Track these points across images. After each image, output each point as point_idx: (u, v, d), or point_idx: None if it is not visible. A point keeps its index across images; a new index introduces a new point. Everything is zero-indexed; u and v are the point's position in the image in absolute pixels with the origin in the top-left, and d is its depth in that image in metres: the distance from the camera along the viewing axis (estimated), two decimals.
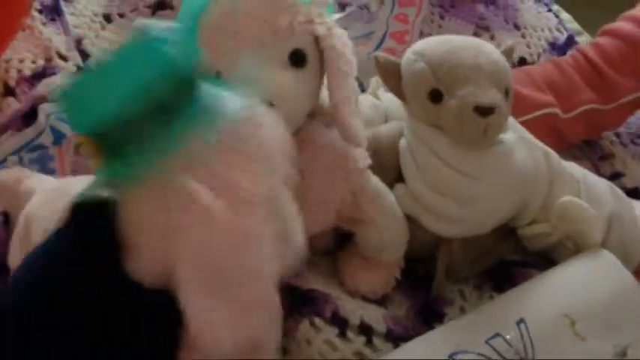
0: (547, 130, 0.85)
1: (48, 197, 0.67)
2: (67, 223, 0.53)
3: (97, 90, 0.48)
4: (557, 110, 0.87)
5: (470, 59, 0.67)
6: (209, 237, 0.46)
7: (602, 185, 0.76)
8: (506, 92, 0.68)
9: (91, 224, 0.51)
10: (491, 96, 0.66)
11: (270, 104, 0.60)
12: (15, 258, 0.67)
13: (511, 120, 0.72)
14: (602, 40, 0.93)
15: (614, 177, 0.91)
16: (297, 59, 0.64)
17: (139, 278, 0.49)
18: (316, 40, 0.65)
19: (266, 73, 0.62)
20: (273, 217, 0.49)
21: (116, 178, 0.50)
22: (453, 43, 0.70)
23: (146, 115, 0.47)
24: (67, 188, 0.65)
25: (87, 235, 0.51)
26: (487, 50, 0.69)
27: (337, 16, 0.98)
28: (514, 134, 0.71)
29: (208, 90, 0.50)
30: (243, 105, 0.51)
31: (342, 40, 0.65)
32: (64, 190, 0.66)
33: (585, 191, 0.73)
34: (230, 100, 0.51)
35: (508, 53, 0.72)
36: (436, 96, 0.68)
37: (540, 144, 0.74)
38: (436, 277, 0.73)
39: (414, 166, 0.70)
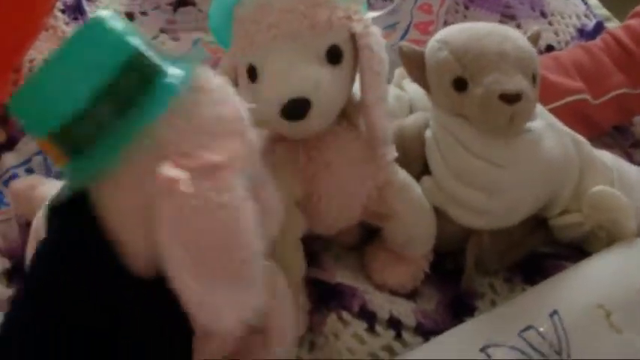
0: (577, 116, 0.83)
1: None
2: (50, 228, 0.53)
3: (48, 88, 0.47)
4: (587, 96, 0.85)
5: (494, 46, 0.66)
6: (191, 219, 0.45)
7: (635, 173, 0.74)
8: (534, 78, 0.67)
9: (74, 222, 0.50)
10: (517, 83, 0.64)
11: (304, 99, 0.59)
12: (28, 256, 0.67)
13: (539, 107, 0.71)
14: (633, 22, 0.91)
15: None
16: (334, 56, 0.62)
17: (135, 270, 0.49)
18: (352, 37, 0.63)
19: (302, 68, 0.60)
20: (250, 189, 0.48)
21: (86, 174, 0.49)
22: (477, 29, 0.68)
23: (103, 103, 0.47)
24: None
25: (73, 234, 0.51)
26: (512, 36, 0.68)
27: (374, 14, 0.97)
28: (542, 122, 0.70)
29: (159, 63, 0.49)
30: (195, 75, 0.50)
31: (377, 40, 0.64)
32: None
33: (618, 179, 0.71)
34: (181, 71, 0.50)
35: (534, 39, 0.71)
36: (461, 84, 0.66)
37: (570, 131, 0.72)
38: (466, 269, 0.72)
39: (439, 156, 0.69)
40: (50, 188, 0.72)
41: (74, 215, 0.50)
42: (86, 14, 0.99)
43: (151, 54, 0.49)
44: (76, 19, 0.98)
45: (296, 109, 0.60)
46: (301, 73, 0.60)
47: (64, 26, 0.97)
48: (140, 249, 0.48)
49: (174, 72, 0.49)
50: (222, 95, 0.51)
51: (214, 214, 0.45)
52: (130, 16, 1.02)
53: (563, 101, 0.83)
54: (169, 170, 0.45)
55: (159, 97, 0.47)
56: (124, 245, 0.49)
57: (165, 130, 0.47)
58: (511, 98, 0.64)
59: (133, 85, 0.48)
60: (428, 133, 0.71)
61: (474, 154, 0.67)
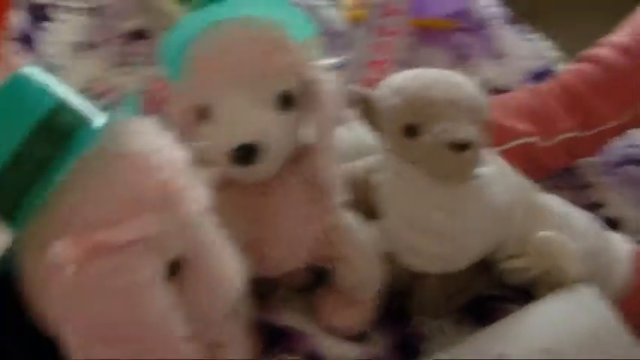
0: (526, 159, 0.84)
1: None
2: None
3: None
4: (536, 139, 0.86)
5: (444, 94, 0.66)
6: (80, 301, 0.43)
7: (583, 219, 0.75)
8: (485, 126, 0.67)
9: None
10: (466, 131, 0.65)
11: (254, 145, 0.59)
12: None
13: (490, 152, 0.71)
14: (582, 67, 0.92)
15: (594, 207, 0.89)
16: (285, 101, 0.62)
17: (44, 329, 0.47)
18: (304, 82, 0.63)
19: (253, 114, 0.60)
20: (164, 256, 0.46)
21: (13, 237, 0.48)
22: (428, 77, 0.68)
23: (17, 165, 0.45)
24: None
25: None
26: (462, 83, 0.68)
27: (328, 61, 0.97)
28: (492, 167, 0.70)
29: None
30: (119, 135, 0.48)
31: (330, 86, 0.64)
32: None
33: (566, 225, 0.72)
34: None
35: (483, 84, 0.71)
36: (411, 131, 0.66)
37: (519, 176, 0.73)
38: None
39: (389, 200, 0.69)
40: None
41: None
42: (35, 43, 0.97)
43: (74, 108, 0.48)
44: (26, 48, 0.96)
45: (246, 154, 0.59)
46: (252, 119, 0.60)
47: (13, 55, 0.94)
48: (42, 311, 0.47)
49: (98, 126, 0.47)
50: (149, 162, 0.47)
51: (108, 297, 0.43)
52: (81, 46, 1.00)
53: (512, 143, 0.84)
54: (62, 247, 0.42)
55: (71, 156, 0.45)
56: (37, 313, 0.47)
57: (76, 195, 0.45)
58: (460, 147, 0.64)
59: (48, 146, 0.46)
60: (377, 177, 0.70)
61: (423, 198, 0.67)
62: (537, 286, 0.72)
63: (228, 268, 0.52)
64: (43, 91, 0.47)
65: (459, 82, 0.68)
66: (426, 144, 0.65)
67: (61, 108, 0.47)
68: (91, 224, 0.44)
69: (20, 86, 0.47)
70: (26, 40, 0.98)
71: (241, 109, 0.60)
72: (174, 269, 0.48)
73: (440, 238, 0.68)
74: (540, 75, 1.03)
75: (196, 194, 0.49)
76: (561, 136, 0.88)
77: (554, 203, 0.74)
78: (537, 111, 0.88)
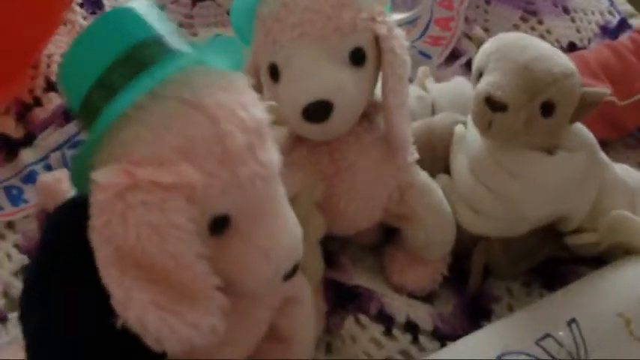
0: (603, 118, 0.81)
1: None
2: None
3: (72, 63, 0.49)
4: (614, 98, 0.83)
5: (518, 55, 0.63)
6: (115, 223, 0.43)
7: None
8: (548, 107, 0.63)
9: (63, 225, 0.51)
10: (511, 95, 0.62)
11: (327, 101, 0.58)
12: None
13: (586, 135, 0.68)
14: None
15: None
16: (357, 58, 0.61)
17: None
18: (376, 39, 0.62)
19: (325, 70, 0.59)
20: (204, 209, 0.46)
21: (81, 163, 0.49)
22: (518, 39, 0.66)
23: (99, 87, 0.47)
24: None
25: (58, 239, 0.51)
26: (545, 55, 0.64)
27: (398, 16, 0.95)
28: (579, 152, 0.67)
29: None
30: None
31: (401, 42, 0.63)
32: None
33: None
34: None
35: (591, 96, 0.65)
36: (478, 77, 0.66)
37: (602, 158, 0.70)
38: (471, 276, 0.72)
39: (460, 154, 0.69)
40: None
41: (66, 217, 0.50)
42: (104, 8, 0.98)
43: (164, 42, 0.48)
44: (94, 12, 0.98)
45: (318, 111, 0.59)
46: (324, 74, 0.59)
47: (82, 20, 0.96)
48: None
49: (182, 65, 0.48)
50: (214, 114, 0.46)
51: (140, 228, 0.44)
52: None
53: None
54: (103, 173, 0.44)
55: (140, 87, 0.46)
56: None
57: (132, 129, 0.46)
58: (494, 105, 0.62)
59: (127, 75, 0.47)
60: (457, 130, 0.70)
61: (491, 154, 0.67)
62: (609, 254, 0.71)
63: (279, 244, 0.50)
64: (139, 22, 0.48)
65: (542, 53, 0.64)
66: (476, 89, 0.65)
67: (152, 41, 0.48)
68: (137, 161, 0.45)
69: (120, 14, 0.49)
70: (95, 4, 0.99)
71: (312, 66, 0.59)
72: (221, 226, 0.48)
73: (498, 197, 0.67)
74: (613, 30, 1.00)
75: (263, 156, 0.48)
76: (639, 95, 0.85)
77: (630, 177, 0.71)
78: (614, 69, 0.85)
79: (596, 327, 0.62)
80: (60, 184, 0.73)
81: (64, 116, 0.87)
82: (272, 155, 0.50)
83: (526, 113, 0.63)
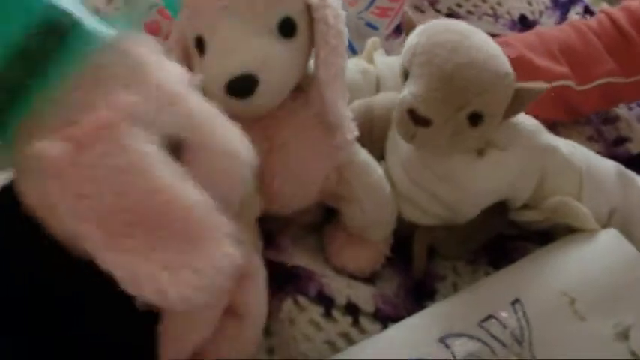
0: (558, 102, 0.79)
1: None
2: None
3: None
4: (571, 82, 0.81)
5: (440, 59, 0.59)
6: (86, 191, 0.41)
7: (608, 174, 0.70)
8: (475, 117, 0.60)
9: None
10: (434, 109, 0.59)
11: (251, 75, 0.55)
12: None
13: (522, 127, 0.66)
14: (634, 4, 0.85)
15: (619, 142, 0.86)
16: (287, 29, 0.58)
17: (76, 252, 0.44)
18: (308, 8, 0.59)
19: (250, 42, 0.56)
20: (155, 130, 0.43)
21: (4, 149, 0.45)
22: (448, 37, 0.60)
23: (13, 64, 0.42)
24: None
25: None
26: (472, 60, 0.58)
27: None
28: (513, 149, 0.64)
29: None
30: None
31: (335, 11, 0.59)
32: None
33: (587, 183, 0.67)
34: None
35: (526, 92, 0.61)
36: (405, 77, 0.62)
37: (544, 142, 0.67)
38: (415, 261, 0.69)
39: (395, 147, 0.66)
40: None
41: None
42: None
43: (70, 9, 0.45)
44: None
45: (242, 85, 0.56)
46: (249, 47, 0.56)
47: None
48: (62, 233, 0.44)
49: (96, 30, 0.45)
50: (124, 49, 0.45)
51: (112, 180, 0.41)
52: None
53: None
54: (44, 146, 0.40)
55: (72, 55, 0.43)
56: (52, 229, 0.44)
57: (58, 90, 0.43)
58: (417, 119, 0.59)
59: (45, 44, 0.43)
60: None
61: (422, 160, 0.65)
62: (555, 229, 0.69)
63: (235, 144, 0.49)
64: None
65: (470, 54, 0.58)
66: (400, 97, 0.61)
67: (56, 8, 0.44)
68: (65, 123, 0.42)
69: None
70: None
71: (236, 38, 0.56)
72: (176, 151, 0.45)
73: (434, 198, 0.65)
74: (564, 4, 0.98)
75: (174, 71, 0.47)
76: (599, 81, 0.82)
77: (578, 157, 0.69)
78: (576, 51, 0.82)
79: (540, 306, 0.60)
80: None
81: None
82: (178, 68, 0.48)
83: (451, 127, 0.60)
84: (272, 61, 0.56)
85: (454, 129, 0.60)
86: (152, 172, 0.42)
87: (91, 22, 0.45)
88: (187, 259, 0.42)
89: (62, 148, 0.40)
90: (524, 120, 0.66)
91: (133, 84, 0.43)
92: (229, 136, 0.49)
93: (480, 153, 0.63)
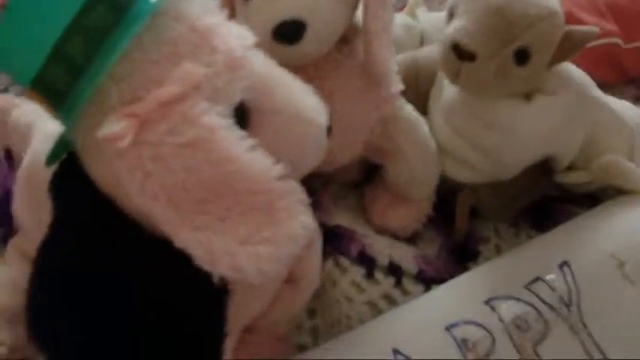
0: (606, 60, 0.77)
1: None
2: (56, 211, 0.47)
3: (17, 30, 0.41)
4: (619, 40, 0.79)
5: None
6: (155, 170, 0.40)
7: None
8: (523, 54, 0.58)
9: (77, 199, 0.45)
10: (479, 42, 0.57)
11: (298, 21, 0.54)
12: (18, 199, 0.61)
13: (572, 75, 0.63)
14: None
15: None
16: None
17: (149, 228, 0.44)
18: None
19: None
20: (223, 100, 0.42)
21: (68, 126, 0.44)
22: None
23: (71, 40, 0.40)
24: None
25: (80, 214, 0.46)
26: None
27: None
28: (561, 95, 0.62)
29: None
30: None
31: None
32: None
33: (639, 142, 0.66)
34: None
35: (575, 35, 0.60)
36: (450, 17, 0.60)
37: (596, 95, 0.65)
38: (457, 222, 0.68)
39: (438, 99, 0.64)
40: (33, 116, 0.65)
41: (75, 190, 0.45)
42: None
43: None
44: None
45: (289, 31, 0.54)
46: None
47: None
48: (134, 210, 0.43)
49: (157, 2, 0.42)
50: (185, 13, 0.43)
51: (181, 156, 0.40)
52: None
53: (593, 43, 0.77)
54: (109, 127, 0.39)
55: (132, 31, 0.41)
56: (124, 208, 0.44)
57: (123, 67, 0.41)
58: (462, 53, 0.57)
59: (105, 19, 0.41)
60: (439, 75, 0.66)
61: (467, 107, 0.63)
62: (602, 191, 0.68)
63: (305, 107, 0.47)
64: None
65: None
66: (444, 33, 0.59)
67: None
68: (131, 99, 0.40)
69: None
70: None
71: None
72: (244, 118, 0.44)
73: (477, 148, 0.63)
74: None
75: (244, 32, 0.45)
76: None
77: (630, 116, 0.67)
78: (623, 9, 0.80)
79: (588, 269, 0.59)
80: (5, 114, 0.67)
81: None
82: (242, 29, 0.46)
83: (497, 63, 0.58)
84: (320, 7, 0.55)
85: (500, 66, 0.58)
86: (220, 145, 0.41)
87: None
88: (262, 231, 0.41)
89: (125, 127, 0.39)
90: (576, 70, 0.64)
91: (199, 54, 0.42)
92: (299, 99, 0.47)
93: (528, 98, 0.61)
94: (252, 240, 0.41)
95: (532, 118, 0.62)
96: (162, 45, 0.42)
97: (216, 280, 0.41)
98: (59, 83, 0.41)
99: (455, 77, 0.60)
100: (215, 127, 0.41)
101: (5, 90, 0.80)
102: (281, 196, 0.42)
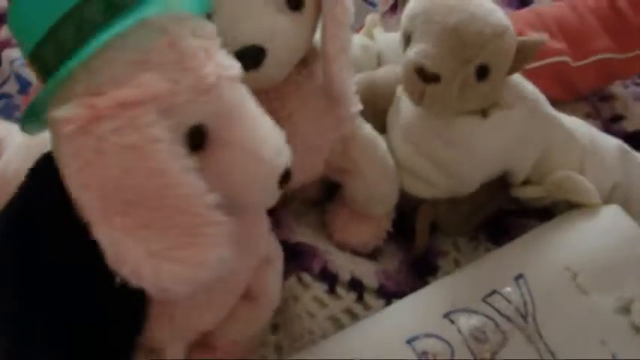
0: (555, 78, 0.79)
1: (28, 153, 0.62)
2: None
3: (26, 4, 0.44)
4: (568, 58, 0.81)
5: (443, 17, 0.59)
6: (93, 161, 0.41)
7: (610, 150, 0.70)
8: (483, 70, 0.60)
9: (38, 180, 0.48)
10: (441, 63, 0.59)
11: (258, 47, 0.55)
12: None
13: (525, 88, 0.66)
14: None
15: (615, 119, 0.86)
16: (294, 1, 0.57)
17: None
18: None
19: (258, 14, 0.55)
20: (178, 118, 0.43)
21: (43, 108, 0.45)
22: None
23: (65, 25, 0.43)
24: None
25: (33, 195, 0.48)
26: (475, 14, 0.59)
27: None
28: (516, 108, 0.64)
29: None
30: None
31: None
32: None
33: (590, 159, 0.68)
34: None
35: (527, 45, 0.61)
36: (406, 40, 0.62)
37: (547, 112, 0.67)
38: (417, 237, 0.69)
39: (396, 117, 0.66)
40: (4, 131, 0.65)
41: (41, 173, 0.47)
42: None
43: None
44: None
45: (249, 57, 0.55)
46: (256, 19, 0.55)
47: None
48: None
49: (155, 13, 0.45)
50: (165, 26, 0.44)
51: (120, 156, 0.41)
52: None
53: (542, 62, 0.79)
54: (65, 110, 0.41)
55: (113, 27, 0.43)
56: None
57: (94, 61, 0.43)
58: (426, 76, 0.59)
59: (102, 15, 0.43)
60: (399, 91, 0.67)
61: (427, 126, 0.64)
62: (556, 205, 0.70)
63: (264, 147, 0.47)
64: None
65: (470, 11, 0.59)
66: (405, 58, 0.61)
67: None
68: (95, 91, 0.42)
69: None
70: None
71: (243, 9, 0.55)
72: (198, 141, 0.45)
73: (438, 166, 0.65)
74: None
75: (221, 58, 0.47)
76: (595, 57, 0.82)
77: (582, 133, 0.69)
78: (572, 28, 0.82)
79: (543, 281, 0.61)
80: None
81: None
82: (230, 59, 0.48)
83: (460, 81, 0.60)
84: (280, 33, 0.56)
85: (463, 83, 0.60)
86: (157, 156, 0.42)
87: (153, 5, 0.45)
88: (175, 250, 0.42)
89: (77, 113, 0.41)
90: (529, 85, 0.67)
91: (168, 69, 0.43)
92: (261, 138, 0.47)
93: (484, 115, 0.63)
94: (161, 255, 0.42)
95: (489, 133, 0.64)
96: (137, 51, 0.43)
97: (117, 279, 0.42)
98: (48, 61, 0.44)
99: (419, 99, 0.61)
100: (157, 139, 0.42)
101: None
102: (208, 224, 0.43)
